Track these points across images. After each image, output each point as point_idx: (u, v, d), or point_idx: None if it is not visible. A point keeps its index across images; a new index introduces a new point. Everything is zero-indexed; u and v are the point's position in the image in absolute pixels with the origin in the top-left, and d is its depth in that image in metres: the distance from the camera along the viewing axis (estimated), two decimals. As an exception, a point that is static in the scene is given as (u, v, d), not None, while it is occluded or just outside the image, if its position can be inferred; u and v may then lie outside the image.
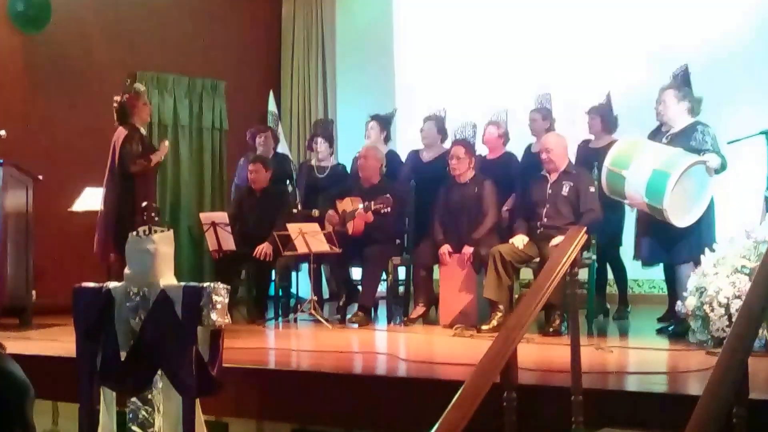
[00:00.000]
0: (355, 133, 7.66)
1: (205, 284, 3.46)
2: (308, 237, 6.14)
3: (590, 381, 3.55)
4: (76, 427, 3.71)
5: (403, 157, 7.01)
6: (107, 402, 3.62)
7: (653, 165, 5.17)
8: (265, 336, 6.00)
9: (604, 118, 6.42)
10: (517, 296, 5.82)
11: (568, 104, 6.96)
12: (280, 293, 6.84)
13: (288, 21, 9.35)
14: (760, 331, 4.22)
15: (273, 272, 6.67)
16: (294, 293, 7.00)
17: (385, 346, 5.66)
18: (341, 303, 6.60)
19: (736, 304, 4.50)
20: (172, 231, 3.68)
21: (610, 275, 6.61)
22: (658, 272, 6.17)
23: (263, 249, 6.43)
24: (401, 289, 6.79)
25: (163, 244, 3.57)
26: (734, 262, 4.69)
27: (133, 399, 3.58)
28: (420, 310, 6.23)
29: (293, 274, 6.93)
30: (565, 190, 5.78)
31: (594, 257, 5.85)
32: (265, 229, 6.49)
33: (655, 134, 5.61)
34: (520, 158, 6.69)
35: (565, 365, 3.34)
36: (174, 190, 8.25)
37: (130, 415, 3.58)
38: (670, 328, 5.45)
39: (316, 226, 6.32)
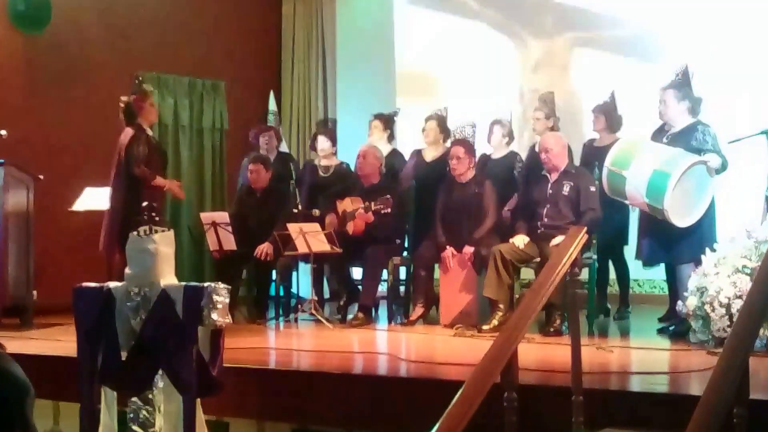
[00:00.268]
0: (355, 133, 7.66)
1: (206, 284, 3.46)
2: (309, 237, 6.14)
3: (591, 381, 3.56)
4: (77, 426, 3.71)
5: (407, 156, 7.01)
6: (108, 402, 3.62)
7: (654, 165, 5.17)
8: (266, 336, 6.00)
9: (609, 116, 6.41)
10: (517, 296, 5.82)
11: (573, 104, 6.96)
12: (281, 293, 6.84)
13: (288, 21, 9.34)
14: (761, 331, 4.22)
15: (273, 272, 6.67)
16: (294, 293, 7.00)
17: (385, 346, 5.66)
18: (342, 303, 6.60)
19: (737, 304, 4.50)
20: (172, 231, 3.68)
21: (612, 275, 6.61)
22: (658, 272, 6.17)
23: (264, 249, 6.43)
24: (402, 288, 6.79)
25: (163, 244, 3.57)
26: (735, 262, 4.70)
27: (134, 399, 3.58)
28: (419, 311, 6.22)
29: (294, 273, 6.92)
30: (566, 190, 5.78)
31: (594, 257, 5.85)
32: (265, 229, 6.49)
33: (659, 134, 5.60)
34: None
35: (566, 365, 3.34)
36: (174, 190, 8.24)
37: (131, 415, 3.58)
38: (671, 328, 5.45)
39: (316, 225, 6.32)
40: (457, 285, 6.07)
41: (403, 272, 6.74)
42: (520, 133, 7.54)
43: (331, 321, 6.31)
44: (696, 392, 3.42)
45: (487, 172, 6.45)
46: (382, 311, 6.75)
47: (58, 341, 5.25)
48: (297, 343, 5.66)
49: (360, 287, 6.50)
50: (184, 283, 3.54)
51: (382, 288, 6.63)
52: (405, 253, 6.68)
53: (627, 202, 5.60)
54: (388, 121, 7.08)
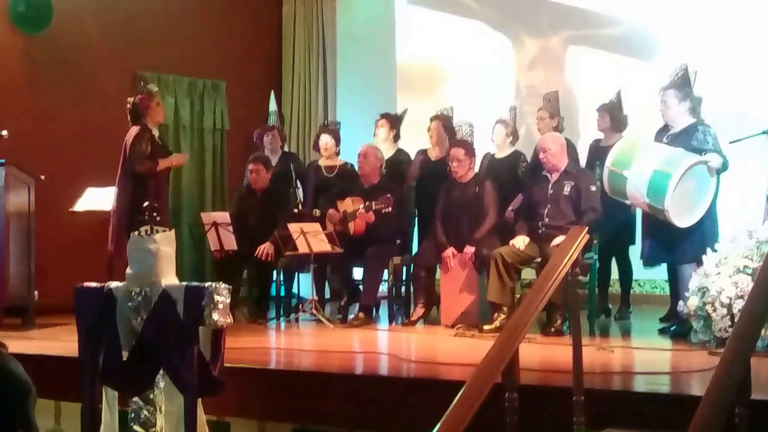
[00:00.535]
0: (356, 133, 7.66)
1: (207, 284, 3.46)
2: (309, 237, 6.14)
3: (592, 381, 3.56)
4: (78, 426, 3.71)
5: (412, 156, 7.00)
6: (109, 401, 3.63)
7: (654, 165, 5.17)
8: (267, 336, 6.00)
9: (613, 115, 6.39)
10: (518, 296, 5.81)
11: (568, 101, 6.96)
12: (282, 293, 6.84)
13: (289, 21, 9.34)
14: (763, 331, 4.21)
15: (274, 272, 6.67)
16: (295, 293, 7.00)
17: (386, 346, 5.66)
18: (343, 303, 6.60)
19: (738, 305, 4.50)
20: (173, 231, 3.68)
21: (614, 275, 6.61)
22: (659, 272, 6.17)
23: (265, 249, 6.43)
24: (403, 289, 6.79)
25: (164, 244, 3.57)
26: (736, 262, 4.69)
27: (135, 399, 3.59)
28: (420, 311, 6.22)
29: (295, 273, 6.92)
30: (567, 190, 5.77)
31: (595, 257, 5.84)
32: (266, 229, 6.49)
33: (662, 133, 5.59)
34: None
35: (567, 365, 3.34)
36: (175, 190, 8.23)
37: (132, 415, 3.58)
38: (672, 328, 5.45)
39: (317, 225, 6.32)
40: (458, 285, 6.07)
41: (404, 272, 6.75)
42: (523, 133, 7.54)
43: (332, 321, 6.31)
44: (697, 392, 3.42)
45: (491, 172, 6.45)
46: (383, 311, 6.75)
47: (60, 341, 5.24)
48: (298, 343, 5.66)
49: (361, 287, 6.51)
50: (185, 283, 3.54)
51: (383, 288, 6.63)
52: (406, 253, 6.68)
53: (627, 202, 5.60)
54: (395, 120, 7.08)
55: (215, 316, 3.40)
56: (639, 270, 6.34)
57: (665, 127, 5.60)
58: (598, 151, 6.33)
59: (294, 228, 6.18)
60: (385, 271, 6.44)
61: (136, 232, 3.60)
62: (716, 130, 5.35)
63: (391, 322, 6.42)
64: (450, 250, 6.08)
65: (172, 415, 3.53)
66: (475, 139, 6.73)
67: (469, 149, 6.29)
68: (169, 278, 3.56)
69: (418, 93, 8.62)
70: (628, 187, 5.33)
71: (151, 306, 3.49)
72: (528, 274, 6.27)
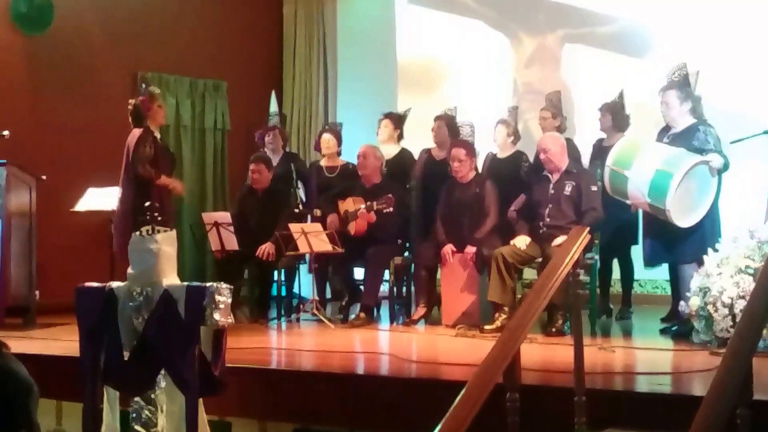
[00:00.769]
0: (356, 133, 7.66)
1: (208, 284, 3.46)
2: (310, 237, 6.14)
3: (593, 381, 3.56)
4: (79, 426, 3.72)
5: (415, 155, 7.00)
6: (111, 401, 3.63)
7: (656, 165, 5.16)
8: (268, 336, 6.01)
9: (615, 115, 6.38)
10: (519, 297, 5.81)
11: (564, 98, 6.95)
12: (283, 293, 6.84)
13: (289, 21, 9.35)
14: (764, 331, 4.21)
15: (275, 272, 6.68)
16: (296, 293, 7.00)
17: (387, 346, 5.66)
18: (344, 303, 6.60)
19: (740, 305, 4.50)
20: (175, 231, 3.68)
21: (615, 275, 6.60)
22: (660, 272, 6.16)
23: (266, 249, 6.42)
24: (404, 289, 6.78)
25: (166, 244, 3.57)
26: (738, 262, 4.69)
27: (137, 398, 3.59)
28: (421, 311, 6.22)
29: (296, 273, 6.92)
30: (568, 190, 5.77)
31: (596, 257, 5.84)
32: (267, 229, 6.49)
33: (663, 133, 5.59)
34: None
35: (568, 365, 3.34)
36: (176, 190, 8.24)
37: (134, 415, 3.58)
38: (673, 329, 5.45)
39: (318, 225, 6.32)
40: (459, 285, 6.06)
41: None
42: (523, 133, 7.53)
43: (333, 321, 6.31)
44: (699, 393, 3.42)
45: (493, 172, 6.45)
46: (384, 311, 6.75)
47: (61, 341, 5.26)
48: (299, 343, 5.66)
49: (362, 287, 6.50)
50: (186, 283, 3.54)
51: (384, 288, 6.63)
52: (406, 253, 6.68)
53: (628, 201, 5.59)
54: (398, 120, 7.07)
55: (216, 316, 3.40)
56: (640, 270, 6.33)
57: (666, 127, 5.60)
58: (602, 151, 6.32)
59: (295, 228, 6.18)
60: (386, 271, 6.44)
61: (138, 232, 3.60)
62: (716, 129, 5.35)
63: (392, 322, 6.42)
64: (449, 246, 6.08)
65: (173, 415, 3.53)
66: (476, 138, 6.72)
67: (470, 149, 6.29)
68: (171, 278, 3.57)
69: (419, 92, 8.62)
70: (630, 186, 5.33)
71: (152, 306, 3.50)
72: (529, 274, 6.26)
